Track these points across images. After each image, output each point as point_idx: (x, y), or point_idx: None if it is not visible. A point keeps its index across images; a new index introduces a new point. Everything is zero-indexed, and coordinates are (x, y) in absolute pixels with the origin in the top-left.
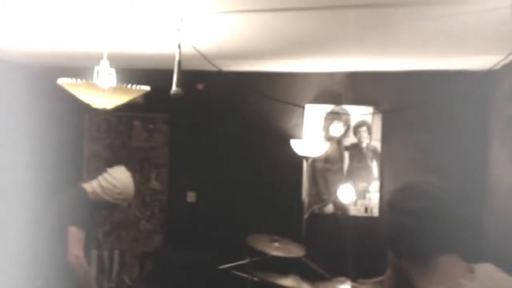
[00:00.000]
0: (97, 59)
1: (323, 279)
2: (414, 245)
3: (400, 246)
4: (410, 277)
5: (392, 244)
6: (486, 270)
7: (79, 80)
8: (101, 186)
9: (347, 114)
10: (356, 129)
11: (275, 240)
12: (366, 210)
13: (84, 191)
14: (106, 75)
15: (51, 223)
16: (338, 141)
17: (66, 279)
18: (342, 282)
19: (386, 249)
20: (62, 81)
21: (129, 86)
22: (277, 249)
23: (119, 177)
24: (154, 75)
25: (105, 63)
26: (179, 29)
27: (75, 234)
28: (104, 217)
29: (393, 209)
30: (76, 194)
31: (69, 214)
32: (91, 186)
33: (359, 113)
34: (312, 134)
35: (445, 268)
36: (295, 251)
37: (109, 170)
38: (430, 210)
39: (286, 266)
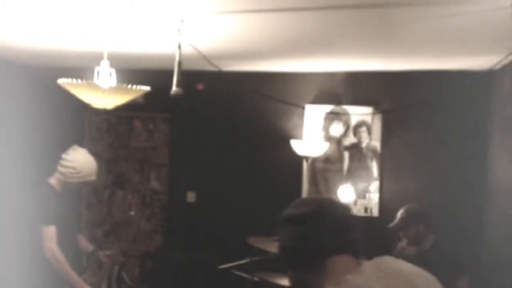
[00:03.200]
0: (97, 59)
1: None
2: (300, 252)
3: (289, 256)
4: (307, 285)
5: (283, 255)
6: (378, 263)
7: (79, 80)
8: (62, 173)
9: (347, 114)
10: (356, 129)
11: (275, 240)
12: (366, 210)
13: (50, 187)
14: (106, 75)
15: (25, 222)
16: (338, 141)
17: (47, 277)
18: None
19: (283, 265)
20: (62, 81)
21: (129, 86)
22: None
23: (72, 158)
24: (154, 75)
25: (105, 63)
26: (179, 30)
27: (47, 231)
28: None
29: (280, 220)
30: (42, 193)
31: (38, 215)
32: (55, 177)
33: (359, 113)
34: (312, 134)
35: (335, 269)
36: None
37: (63, 155)
38: (308, 216)
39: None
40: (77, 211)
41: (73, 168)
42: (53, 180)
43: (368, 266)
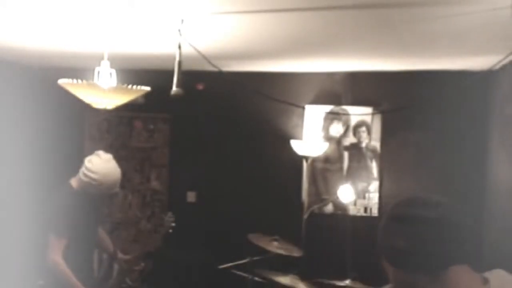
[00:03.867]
0: (97, 59)
1: (322, 278)
2: (422, 256)
3: (405, 258)
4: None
5: (394, 254)
6: (498, 278)
7: (79, 81)
8: (82, 181)
9: (346, 114)
10: (356, 129)
11: (275, 240)
12: (365, 210)
13: (71, 191)
14: (106, 76)
15: (40, 225)
16: (338, 141)
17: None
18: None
19: (385, 261)
20: (63, 82)
21: (129, 86)
22: (277, 247)
23: (96, 168)
24: (154, 75)
25: (105, 63)
26: (179, 30)
27: (54, 242)
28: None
29: (395, 219)
30: (60, 199)
31: (50, 222)
32: (76, 180)
33: (359, 113)
34: (312, 134)
35: (458, 280)
36: (295, 251)
37: (85, 161)
38: (437, 218)
39: (285, 265)
40: (100, 211)
41: (94, 179)
42: (74, 183)
43: (493, 282)
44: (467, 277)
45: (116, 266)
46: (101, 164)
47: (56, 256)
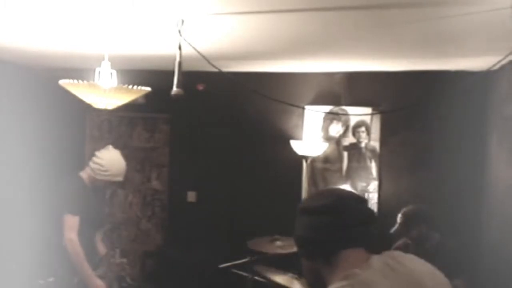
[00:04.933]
0: (98, 60)
1: None
2: (316, 243)
3: (305, 246)
4: (319, 273)
5: (299, 245)
6: (387, 258)
7: (80, 81)
8: (91, 169)
9: (346, 114)
10: (355, 130)
11: (276, 240)
12: None
13: (80, 179)
14: (107, 76)
15: (50, 211)
16: (337, 141)
17: (59, 264)
18: None
19: (297, 251)
20: (64, 82)
21: (130, 87)
22: (279, 247)
23: (104, 156)
24: (155, 76)
25: (106, 64)
26: (179, 30)
27: (69, 220)
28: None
29: (298, 211)
30: (72, 183)
31: (64, 202)
32: (85, 172)
33: (358, 113)
34: (311, 135)
35: (346, 260)
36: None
37: (96, 152)
38: (327, 208)
39: (285, 265)
40: (102, 209)
41: (101, 165)
42: (83, 174)
43: (377, 260)
44: (354, 259)
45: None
46: (108, 153)
47: (72, 234)
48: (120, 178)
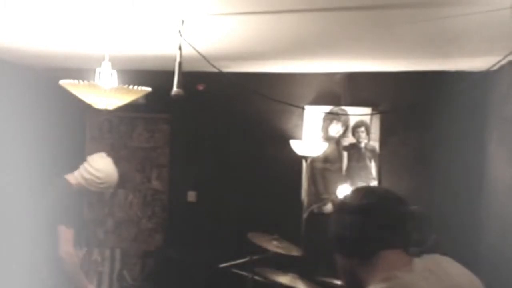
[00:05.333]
0: (98, 60)
1: (321, 277)
2: (355, 241)
3: (343, 244)
4: (354, 273)
5: (336, 242)
6: (429, 261)
7: (81, 81)
8: (84, 178)
9: (346, 114)
10: (355, 130)
11: (274, 239)
12: None
13: (68, 184)
14: (107, 76)
15: (41, 219)
16: (337, 141)
17: (58, 274)
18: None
19: (333, 250)
20: (64, 82)
21: (130, 87)
22: (276, 247)
23: (100, 167)
24: (155, 76)
25: (106, 64)
26: (179, 31)
27: (64, 232)
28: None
29: (337, 208)
30: (60, 189)
31: (56, 211)
32: (75, 177)
33: (358, 113)
34: (311, 135)
35: (386, 262)
36: (294, 250)
37: (89, 159)
38: (369, 207)
39: (286, 265)
40: (81, 212)
41: (98, 178)
42: (72, 179)
43: (418, 264)
44: (394, 260)
45: None
46: (105, 165)
47: (69, 247)
48: (112, 189)
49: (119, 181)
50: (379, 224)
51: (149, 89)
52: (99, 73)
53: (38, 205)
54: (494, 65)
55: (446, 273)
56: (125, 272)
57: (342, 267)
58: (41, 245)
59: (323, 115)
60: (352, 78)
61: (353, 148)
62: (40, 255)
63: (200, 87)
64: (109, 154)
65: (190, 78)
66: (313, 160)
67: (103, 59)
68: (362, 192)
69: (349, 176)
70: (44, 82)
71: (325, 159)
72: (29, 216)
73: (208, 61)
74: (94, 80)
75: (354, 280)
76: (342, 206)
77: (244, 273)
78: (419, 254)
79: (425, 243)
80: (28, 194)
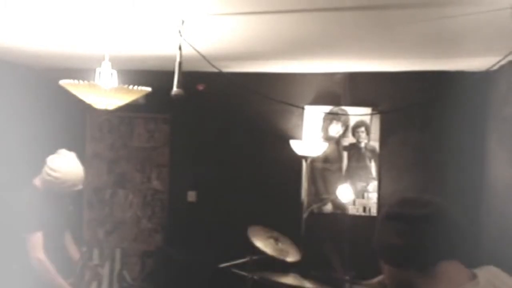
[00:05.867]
0: (98, 60)
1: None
2: (412, 252)
3: (396, 255)
4: (410, 285)
5: (387, 252)
6: (487, 273)
7: (81, 81)
8: (44, 181)
9: (346, 114)
10: (355, 130)
11: (275, 238)
12: (364, 209)
13: (35, 188)
14: (107, 76)
15: (9, 225)
16: (337, 141)
17: (31, 281)
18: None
19: (381, 260)
20: (64, 82)
21: (130, 87)
22: (275, 249)
23: (56, 166)
24: (155, 76)
25: (106, 64)
26: (179, 31)
27: (33, 239)
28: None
29: (388, 217)
30: (27, 197)
31: (22, 220)
32: (39, 180)
33: (358, 113)
34: (311, 135)
35: (448, 275)
36: (292, 254)
37: (47, 160)
38: (426, 216)
39: (285, 265)
40: (67, 212)
41: (56, 178)
42: (37, 182)
43: (482, 277)
44: (456, 271)
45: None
46: (62, 162)
47: (38, 253)
48: (79, 187)
49: (118, 180)
50: (440, 234)
51: (149, 89)
52: (99, 73)
53: (6, 213)
54: (494, 65)
55: (506, 284)
56: (125, 272)
57: (394, 278)
58: (15, 255)
59: (323, 115)
60: (352, 78)
61: (353, 148)
62: (12, 264)
63: (200, 87)
64: (108, 154)
65: (190, 78)
66: (313, 160)
67: (103, 59)
68: (418, 202)
69: (349, 176)
70: (44, 82)
71: (325, 159)
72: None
73: (208, 61)
74: (94, 80)
75: None
76: (395, 215)
77: (244, 273)
78: (470, 260)
79: (474, 253)
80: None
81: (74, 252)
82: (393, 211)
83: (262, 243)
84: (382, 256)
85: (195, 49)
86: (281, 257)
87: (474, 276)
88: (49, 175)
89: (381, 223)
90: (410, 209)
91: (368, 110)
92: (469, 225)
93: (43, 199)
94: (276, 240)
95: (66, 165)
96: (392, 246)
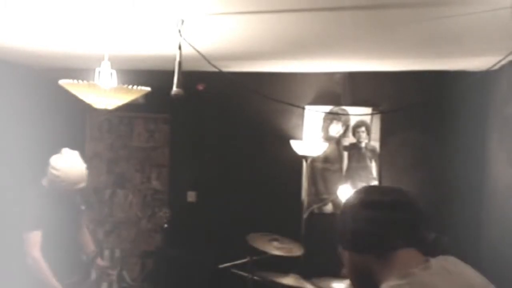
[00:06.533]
0: (98, 60)
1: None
2: (378, 238)
3: (361, 240)
4: (367, 269)
5: (351, 238)
6: (443, 261)
7: (80, 81)
8: (49, 180)
9: (346, 114)
10: (355, 129)
11: (275, 240)
12: None
13: (42, 188)
14: (107, 76)
15: (14, 224)
16: (337, 141)
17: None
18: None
19: (341, 246)
20: (64, 82)
21: (130, 86)
22: (276, 248)
23: (57, 165)
24: (154, 76)
25: (106, 64)
26: (179, 30)
27: (31, 237)
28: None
29: (360, 204)
30: (31, 195)
31: (25, 217)
32: (46, 180)
33: (358, 113)
34: (311, 134)
35: (403, 260)
36: (295, 250)
37: (51, 159)
38: (401, 205)
39: (285, 265)
40: (79, 211)
41: (57, 176)
42: (44, 182)
43: (434, 263)
44: (411, 257)
45: (94, 269)
46: (63, 161)
47: (35, 252)
48: (81, 185)
49: (117, 180)
50: (402, 222)
51: (148, 89)
52: (99, 73)
53: (14, 213)
54: (495, 65)
55: (463, 274)
56: (124, 272)
57: (353, 263)
58: (12, 253)
59: (323, 115)
60: (353, 77)
61: (354, 148)
62: (11, 263)
63: (200, 87)
64: (108, 154)
65: (190, 78)
66: (313, 160)
67: (103, 59)
68: (386, 190)
69: (349, 176)
70: (44, 82)
71: (325, 159)
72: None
73: (208, 61)
74: (93, 80)
75: (365, 275)
76: (366, 202)
77: (244, 274)
78: (433, 254)
79: (437, 244)
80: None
81: (90, 244)
82: (361, 197)
83: (264, 245)
84: (344, 242)
85: (195, 49)
86: (287, 254)
87: (427, 262)
88: (51, 174)
89: (346, 210)
90: (379, 196)
91: (368, 110)
92: (432, 214)
93: (49, 199)
94: (277, 240)
95: (67, 163)
96: (356, 232)
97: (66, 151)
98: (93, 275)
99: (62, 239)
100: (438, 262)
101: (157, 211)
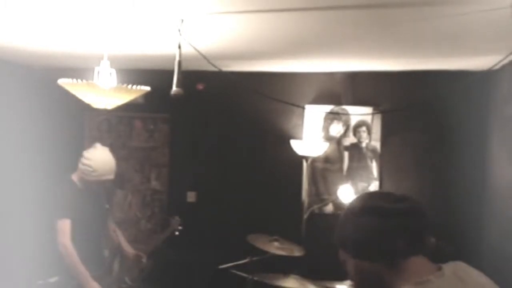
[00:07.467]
0: (97, 59)
1: (321, 278)
2: (387, 247)
3: (369, 248)
4: (377, 277)
5: (358, 246)
6: (454, 267)
7: (79, 80)
8: (81, 170)
9: (346, 114)
10: (356, 129)
11: (275, 240)
12: None
13: (72, 182)
14: (106, 76)
15: (45, 216)
16: (338, 141)
17: (56, 269)
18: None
19: (346, 253)
20: (63, 82)
21: (129, 86)
22: (277, 248)
23: (91, 156)
24: (154, 75)
25: (105, 63)
26: (179, 30)
27: (61, 225)
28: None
29: (356, 211)
30: (63, 187)
31: (57, 208)
32: (77, 174)
33: (359, 113)
34: (312, 134)
35: (415, 268)
36: (295, 250)
37: (84, 152)
38: (413, 213)
39: (285, 266)
40: (101, 209)
41: (89, 166)
42: (74, 176)
43: (447, 270)
44: (422, 265)
45: (116, 264)
46: (96, 153)
47: (65, 239)
48: (110, 177)
49: (117, 180)
50: (413, 229)
51: (148, 88)
52: (98, 72)
53: (45, 202)
54: (496, 64)
55: (474, 280)
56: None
57: (363, 272)
58: (48, 242)
59: (323, 114)
60: (353, 77)
61: (354, 148)
62: (40, 251)
63: (200, 87)
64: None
65: (190, 77)
66: (314, 160)
67: (102, 58)
68: (394, 198)
69: (350, 176)
70: (44, 82)
71: (326, 159)
72: (29, 220)
73: (208, 60)
74: (93, 79)
75: (375, 285)
76: (369, 209)
77: (244, 274)
78: (440, 261)
79: (442, 250)
80: (27, 193)
81: (127, 247)
82: (368, 204)
83: (264, 245)
84: (353, 251)
85: (194, 48)
86: (288, 254)
87: (439, 270)
88: (83, 164)
89: (347, 217)
90: (384, 203)
91: (369, 109)
92: (435, 219)
93: (78, 192)
94: (278, 241)
95: (98, 155)
96: (368, 240)
97: (98, 145)
98: (115, 271)
99: (88, 233)
100: (450, 268)
101: (167, 216)
